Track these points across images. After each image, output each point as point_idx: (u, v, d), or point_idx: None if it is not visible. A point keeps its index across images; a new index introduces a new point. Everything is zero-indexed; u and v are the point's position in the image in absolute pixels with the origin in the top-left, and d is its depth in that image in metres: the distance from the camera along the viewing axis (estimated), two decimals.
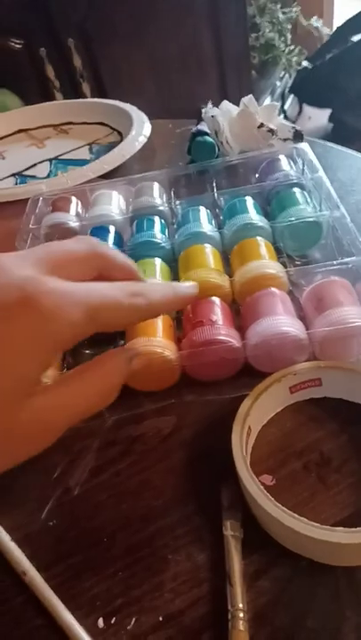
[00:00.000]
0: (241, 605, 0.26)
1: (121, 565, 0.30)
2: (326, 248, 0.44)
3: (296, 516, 0.26)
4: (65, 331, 0.21)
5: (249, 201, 0.47)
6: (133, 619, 0.28)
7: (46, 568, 0.30)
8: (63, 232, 0.48)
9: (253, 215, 0.44)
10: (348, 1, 2.42)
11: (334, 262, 0.38)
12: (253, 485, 0.28)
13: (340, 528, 0.26)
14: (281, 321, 0.34)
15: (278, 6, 1.97)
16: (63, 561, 0.30)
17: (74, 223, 0.49)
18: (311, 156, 0.51)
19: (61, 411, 0.22)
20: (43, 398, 0.22)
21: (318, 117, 2.13)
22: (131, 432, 0.37)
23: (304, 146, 0.53)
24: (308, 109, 2.17)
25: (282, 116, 2.10)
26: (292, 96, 2.18)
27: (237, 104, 0.63)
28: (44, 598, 0.29)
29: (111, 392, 0.25)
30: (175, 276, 0.43)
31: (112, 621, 0.28)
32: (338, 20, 2.25)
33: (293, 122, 2.09)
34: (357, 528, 0.26)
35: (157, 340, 0.35)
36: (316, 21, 2.16)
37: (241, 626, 0.26)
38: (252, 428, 0.33)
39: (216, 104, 0.66)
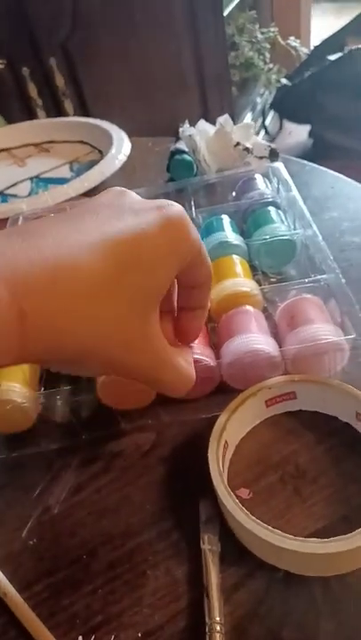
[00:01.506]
0: (218, 618, 0.27)
1: (100, 582, 0.30)
2: (300, 265, 0.46)
3: (271, 528, 0.27)
4: (188, 257, 0.25)
5: (225, 219, 0.48)
6: (112, 636, 0.28)
7: (26, 587, 0.30)
8: None
9: (229, 233, 0.45)
10: (323, 22, 2.50)
11: (306, 280, 0.39)
12: (230, 500, 0.29)
13: (314, 539, 0.26)
14: (254, 339, 0.35)
15: (257, 26, 2.02)
16: (43, 579, 0.31)
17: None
18: (285, 174, 0.52)
19: (162, 360, 0.25)
20: (162, 338, 0.25)
21: (299, 133, 2.17)
22: (111, 448, 0.37)
23: (279, 165, 0.54)
24: (288, 125, 2.22)
25: (263, 131, 2.15)
26: (272, 112, 2.23)
27: (218, 118, 0.65)
28: (25, 619, 0.29)
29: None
30: None
31: (91, 639, 0.28)
32: (315, 40, 2.31)
33: (274, 137, 2.14)
34: (331, 538, 0.26)
35: None
36: (293, 41, 2.21)
37: (218, 638, 0.26)
38: (229, 443, 0.34)
39: (198, 120, 0.68)
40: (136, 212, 0.24)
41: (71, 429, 0.38)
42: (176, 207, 0.24)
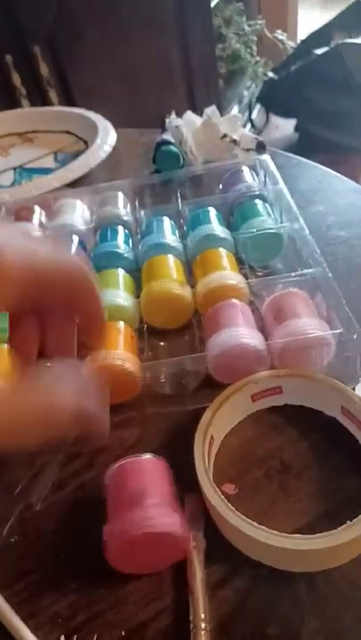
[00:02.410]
0: (203, 616, 0.26)
1: (83, 581, 0.30)
2: (287, 259, 0.45)
3: (256, 524, 0.27)
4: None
5: (212, 212, 0.47)
6: (95, 635, 0.27)
7: (7, 586, 0.30)
8: None
9: (216, 226, 0.45)
10: (310, 16, 2.49)
11: (293, 274, 0.39)
12: (215, 496, 0.28)
13: (298, 535, 0.26)
14: (241, 332, 0.34)
15: (244, 18, 2.01)
16: (24, 578, 0.30)
17: (37, 233, 0.48)
18: (272, 167, 0.52)
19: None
20: None
21: (285, 127, 2.17)
22: (95, 443, 0.37)
23: (266, 157, 0.54)
24: (275, 119, 2.21)
25: (249, 124, 2.14)
26: (258, 105, 2.22)
27: (205, 109, 0.64)
28: (5, 619, 0.28)
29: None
30: (138, 286, 0.43)
31: (74, 639, 0.27)
32: (301, 34, 2.31)
33: (261, 131, 2.14)
34: (316, 535, 0.26)
35: (118, 352, 0.35)
36: (280, 34, 2.21)
37: (203, 636, 0.26)
38: (215, 438, 0.33)
39: (184, 112, 0.67)
40: None
41: None
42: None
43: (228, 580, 0.29)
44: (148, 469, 0.30)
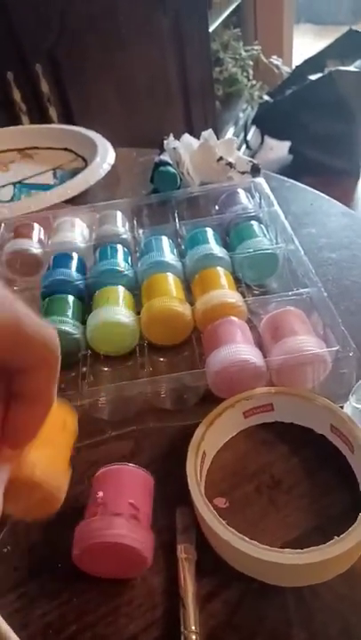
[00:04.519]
0: (194, 627, 0.27)
1: (76, 591, 0.30)
2: (282, 278, 0.47)
3: (246, 539, 0.27)
4: None
5: (209, 232, 0.49)
6: None
7: None
8: (25, 259, 0.49)
9: (214, 246, 0.46)
10: (304, 43, 2.57)
11: (290, 293, 0.40)
12: (206, 510, 0.29)
13: (288, 550, 0.27)
14: (241, 349, 0.35)
15: (241, 44, 2.06)
16: (16, 588, 0.30)
17: (36, 250, 0.49)
18: (267, 190, 0.54)
19: None
20: None
21: (279, 149, 2.22)
22: (89, 457, 0.37)
23: (261, 181, 0.56)
24: (269, 141, 2.26)
25: (244, 146, 2.18)
26: (254, 127, 2.27)
27: (202, 132, 0.66)
28: None
29: None
30: (138, 303, 0.44)
31: None
32: (296, 60, 2.37)
33: (256, 152, 2.18)
34: (305, 549, 0.27)
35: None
36: (276, 59, 2.27)
37: None
38: (207, 453, 0.34)
39: (181, 132, 0.69)
40: None
41: None
42: None
43: (219, 592, 0.29)
44: (123, 479, 0.31)
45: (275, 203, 0.51)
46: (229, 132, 2.11)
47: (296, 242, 0.45)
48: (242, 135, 2.20)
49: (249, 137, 2.26)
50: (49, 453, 0.25)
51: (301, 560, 0.26)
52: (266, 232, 0.49)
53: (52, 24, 1.27)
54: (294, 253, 0.45)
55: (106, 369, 0.42)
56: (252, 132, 2.29)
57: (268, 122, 2.14)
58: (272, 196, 0.52)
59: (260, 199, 0.54)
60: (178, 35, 1.58)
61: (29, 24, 1.24)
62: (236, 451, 0.36)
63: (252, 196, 0.56)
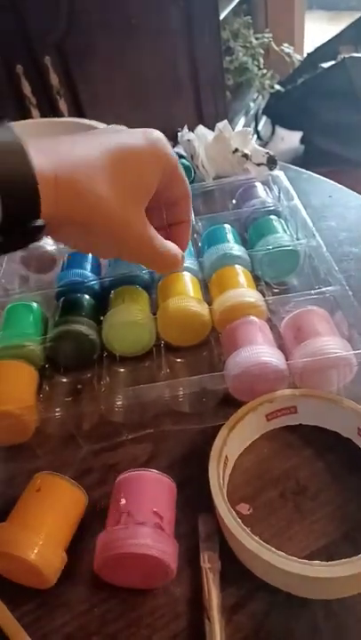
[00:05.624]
0: None
1: (96, 601, 0.29)
2: (304, 275, 0.45)
3: (273, 549, 0.26)
4: (167, 168, 0.34)
5: (227, 229, 0.47)
6: None
7: (18, 606, 0.29)
8: (40, 256, 0.48)
9: (232, 244, 0.45)
10: (317, 29, 2.52)
11: (312, 292, 0.39)
12: (230, 518, 0.28)
13: (318, 562, 0.26)
14: (261, 351, 0.34)
15: (251, 32, 2.02)
16: (35, 597, 0.30)
17: (50, 247, 0.48)
18: (286, 183, 0.52)
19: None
20: (151, 226, 0.34)
21: (290, 139, 2.18)
22: (107, 460, 0.36)
23: (279, 173, 0.54)
24: (280, 131, 2.23)
25: (255, 136, 2.15)
26: (265, 117, 2.24)
27: (213, 123, 0.64)
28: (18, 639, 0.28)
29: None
30: (154, 303, 0.43)
31: None
32: (308, 47, 2.33)
33: (267, 142, 2.15)
34: (335, 561, 0.26)
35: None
36: (287, 47, 2.22)
37: None
38: (229, 457, 0.33)
39: (192, 123, 0.67)
40: (128, 133, 0.35)
41: (71, 441, 0.37)
42: (157, 132, 0.35)
43: (244, 604, 0.28)
44: (145, 486, 0.30)
45: (295, 196, 0.49)
46: (240, 123, 2.08)
47: (318, 237, 0.44)
48: (253, 125, 2.16)
49: (260, 127, 2.22)
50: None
51: (331, 573, 0.25)
52: (286, 227, 0.47)
53: (60, 16, 1.25)
54: (316, 249, 0.43)
55: (122, 370, 0.41)
56: (263, 122, 2.25)
57: (280, 111, 2.11)
58: (292, 190, 0.50)
59: (279, 192, 0.53)
60: (188, 23, 1.55)
61: (38, 16, 1.22)
62: (259, 454, 0.35)
63: (270, 189, 0.54)
